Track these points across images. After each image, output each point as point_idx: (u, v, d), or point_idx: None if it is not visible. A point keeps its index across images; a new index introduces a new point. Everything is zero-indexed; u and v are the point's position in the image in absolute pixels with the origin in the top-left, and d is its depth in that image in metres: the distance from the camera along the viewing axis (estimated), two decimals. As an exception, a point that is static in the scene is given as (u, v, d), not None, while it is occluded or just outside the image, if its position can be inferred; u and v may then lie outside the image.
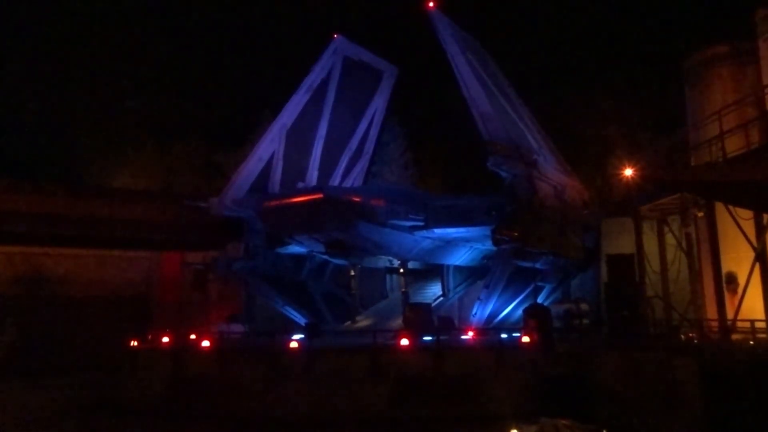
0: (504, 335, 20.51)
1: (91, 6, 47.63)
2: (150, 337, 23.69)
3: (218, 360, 20.27)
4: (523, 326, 20.43)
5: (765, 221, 18.52)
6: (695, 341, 19.14)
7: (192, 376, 20.35)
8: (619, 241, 25.86)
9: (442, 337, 20.32)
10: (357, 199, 24.48)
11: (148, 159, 42.87)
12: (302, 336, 23.41)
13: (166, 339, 22.95)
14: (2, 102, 42.80)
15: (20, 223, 29.72)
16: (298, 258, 29.21)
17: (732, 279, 20.25)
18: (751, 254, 18.49)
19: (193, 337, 22.87)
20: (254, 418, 18.43)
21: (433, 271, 31.40)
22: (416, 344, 19.46)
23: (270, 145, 28.61)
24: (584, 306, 23.89)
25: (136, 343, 22.78)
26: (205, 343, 21.43)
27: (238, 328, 26.36)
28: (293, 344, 20.30)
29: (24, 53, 45.13)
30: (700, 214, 21.50)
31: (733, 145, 19.05)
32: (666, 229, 23.75)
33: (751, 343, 17.48)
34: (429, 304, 27.88)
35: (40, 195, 30.65)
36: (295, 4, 50.80)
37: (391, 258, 29.40)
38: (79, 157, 42.27)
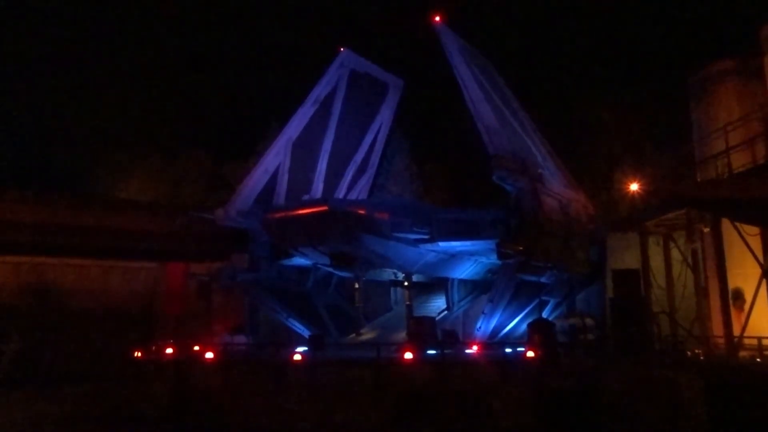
0: (508, 350, 20.40)
1: (98, 17, 48.16)
2: (154, 348, 23.68)
3: (222, 372, 20.23)
4: (528, 341, 20.31)
5: (772, 237, 18.44)
6: (701, 358, 19.02)
7: (195, 387, 20.32)
8: (624, 256, 25.75)
9: (446, 351, 20.22)
10: (362, 212, 24.49)
11: (154, 170, 43.11)
12: (306, 348, 23.34)
13: (169, 350, 22.93)
14: (9, 113, 43.19)
15: (26, 233, 29.84)
16: (302, 270, 29.19)
17: (738, 295, 20.13)
18: (758, 271, 18.40)
19: (196, 348, 22.84)
20: (257, 431, 18.35)
21: (437, 285, 31.29)
22: (420, 358, 19.37)
23: (276, 157, 28.73)
24: (589, 321, 23.76)
25: (139, 354, 22.76)
26: (209, 355, 21.41)
27: (241, 339, 26.32)
28: (297, 356, 20.25)
29: (31, 64, 45.58)
30: (707, 230, 21.42)
31: (739, 161, 19.06)
32: (672, 244, 23.69)
33: (758, 360, 17.34)
34: (433, 318, 27.75)
35: (46, 205, 30.81)
36: (302, 17, 51.24)
37: (395, 271, 29.33)
38: (85, 168, 42.55)
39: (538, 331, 20.46)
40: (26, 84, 44.53)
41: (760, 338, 17.64)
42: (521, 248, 22.48)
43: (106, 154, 43.45)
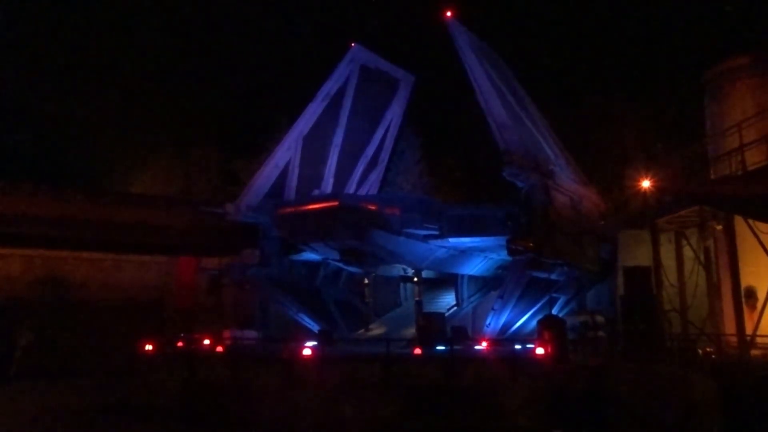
0: (518, 346, 20.33)
1: (112, 13, 48.42)
2: (165, 341, 23.85)
3: (231, 366, 20.33)
4: (538, 338, 20.21)
5: (786, 235, 18.24)
6: (713, 356, 18.87)
7: (205, 381, 20.44)
8: (636, 253, 25.57)
9: (455, 347, 20.21)
10: (372, 207, 24.49)
11: (166, 165, 43.42)
12: (315, 343, 23.40)
13: (180, 343, 23.09)
14: (23, 108, 43.57)
15: (40, 226, 30.14)
16: (312, 265, 29.27)
17: (751, 293, 19.97)
18: (772, 269, 18.22)
19: (206, 342, 22.98)
20: (265, 425, 18.44)
21: (447, 281, 31.26)
22: (429, 354, 19.36)
23: (286, 152, 28.77)
24: (600, 318, 23.60)
25: (150, 347, 22.93)
26: (219, 349, 21.53)
27: (251, 333, 26.43)
28: (306, 351, 20.31)
29: (45, 59, 45.92)
30: (719, 227, 21.24)
31: (754, 158, 18.88)
32: (684, 241, 23.50)
33: (771, 359, 17.19)
34: (442, 314, 27.72)
35: (59, 199, 31.08)
36: (312, 12, 51.21)
37: (405, 267, 29.33)
38: (98, 163, 42.93)
39: (548, 328, 20.28)
40: (40, 79, 44.91)
41: (773, 337, 17.49)
42: (531, 245, 22.35)
43: (118, 149, 43.80)
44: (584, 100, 38.61)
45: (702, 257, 23.12)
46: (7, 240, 30.68)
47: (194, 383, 20.59)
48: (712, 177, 21.94)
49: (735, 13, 36.90)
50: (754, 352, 17.95)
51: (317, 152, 29.82)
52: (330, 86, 29.78)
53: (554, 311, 24.75)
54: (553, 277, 24.25)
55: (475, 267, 28.75)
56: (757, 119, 20.29)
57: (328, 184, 30.35)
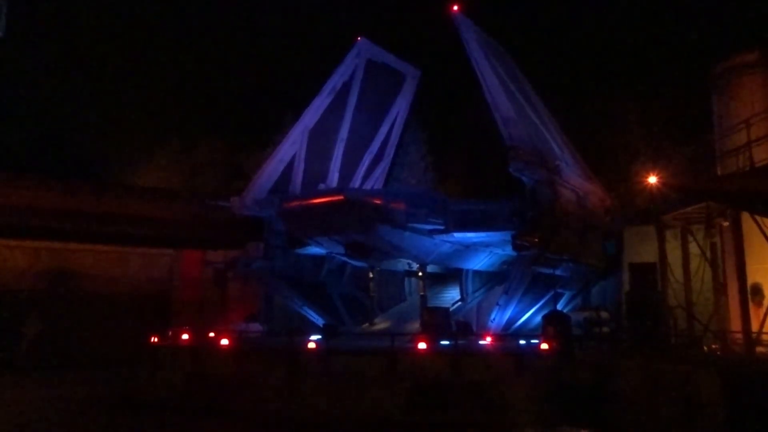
0: (523, 342, 20.36)
1: (120, 7, 48.46)
2: (170, 334, 23.98)
3: (236, 359, 20.42)
4: (542, 333, 20.23)
5: (793, 232, 18.13)
6: (718, 353, 18.82)
7: (210, 373, 20.54)
8: (641, 249, 25.50)
9: (459, 342, 20.23)
10: (377, 202, 24.48)
11: (172, 158, 43.50)
12: (320, 337, 23.48)
13: (185, 336, 23.22)
14: (30, 102, 43.72)
15: (46, 218, 30.29)
16: (317, 259, 29.33)
17: (757, 291, 19.87)
18: (778, 266, 18.12)
19: (212, 335, 23.09)
20: (271, 418, 18.54)
21: (451, 276, 31.26)
22: (434, 348, 19.39)
23: (292, 146, 28.81)
24: (605, 314, 23.59)
25: (156, 340, 23.05)
26: (224, 342, 21.63)
27: (256, 327, 26.54)
28: (311, 345, 20.38)
29: (52, 54, 46.01)
30: (726, 224, 21.13)
31: (761, 154, 18.73)
32: (690, 238, 23.38)
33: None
34: (447, 309, 27.74)
35: (66, 192, 31.21)
36: (318, 6, 51.05)
37: (410, 261, 29.34)
38: (104, 156, 43.02)
39: (553, 323, 20.35)
40: (46, 71, 45.03)
41: (778, 334, 17.41)
42: (537, 240, 22.34)
43: (125, 142, 43.90)
44: (590, 95, 38.39)
45: (708, 254, 23.00)
46: (14, 232, 30.86)
47: (200, 376, 20.69)
48: (720, 173, 21.82)
49: (743, 9, 36.59)
50: (760, 349, 17.88)
51: (323, 146, 29.84)
52: (336, 80, 29.75)
53: (559, 307, 24.77)
54: (558, 272, 24.24)
55: (479, 262, 28.75)
56: (766, 115, 20.13)
57: (333, 179, 30.37)
